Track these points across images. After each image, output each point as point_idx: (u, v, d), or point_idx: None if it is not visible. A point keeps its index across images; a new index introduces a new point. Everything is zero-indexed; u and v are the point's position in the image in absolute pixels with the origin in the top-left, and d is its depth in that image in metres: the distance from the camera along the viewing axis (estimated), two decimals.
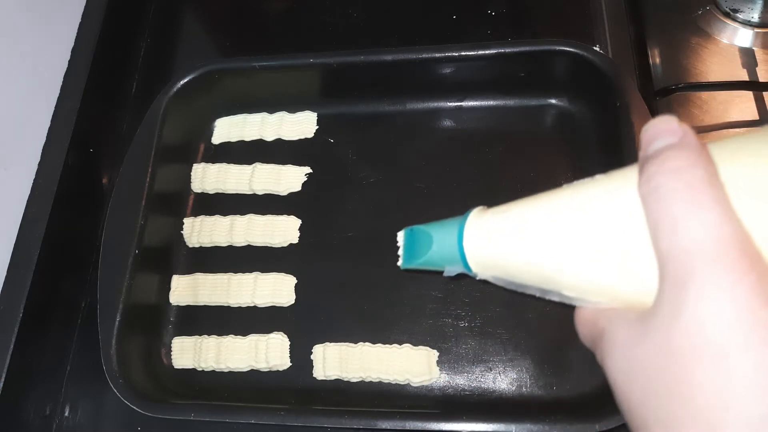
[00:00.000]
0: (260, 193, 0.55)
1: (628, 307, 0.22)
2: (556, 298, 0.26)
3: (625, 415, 0.20)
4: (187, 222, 0.55)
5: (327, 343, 0.48)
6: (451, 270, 0.31)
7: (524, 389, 0.45)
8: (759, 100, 0.50)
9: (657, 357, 0.18)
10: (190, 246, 0.54)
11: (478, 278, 0.29)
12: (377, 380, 0.47)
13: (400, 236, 0.34)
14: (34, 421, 0.48)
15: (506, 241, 0.27)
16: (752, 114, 0.50)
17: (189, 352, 0.50)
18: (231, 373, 0.49)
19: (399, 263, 0.34)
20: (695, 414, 0.17)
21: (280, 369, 0.49)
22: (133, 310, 0.47)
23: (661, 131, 0.20)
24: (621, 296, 0.22)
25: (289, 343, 0.49)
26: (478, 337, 0.48)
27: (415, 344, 0.47)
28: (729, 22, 0.54)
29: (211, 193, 0.56)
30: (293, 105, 0.58)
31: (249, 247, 0.53)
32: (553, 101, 0.54)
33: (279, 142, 0.57)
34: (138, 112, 0.56)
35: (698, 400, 0.17)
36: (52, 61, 0.57)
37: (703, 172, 0.19)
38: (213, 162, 0.57)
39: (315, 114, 0.57)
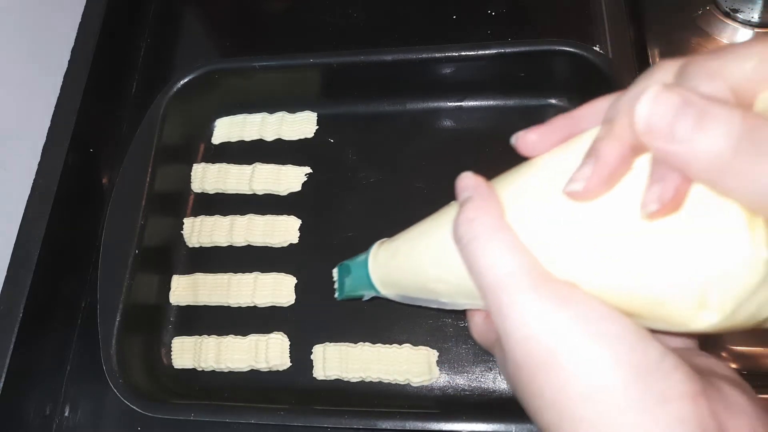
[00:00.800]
0: (260, 193, 0.55)
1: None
2: (435, 305, 0.31)
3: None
4: (187, 222, 0.55)
5: (327, 343, 0.48)
6: (368, 294, 0.38)
7: None
8: None
9: (516, 371, 0.23)
10: (190, 246, 0.54)
11: (384, 297, 0.36)
12: (377, 380, 0.47)
13: (335, 272, 0.42)
14: (34, 421, 0.48)
15: (391, 266, 0.34)
16: None
17: (189, 352, 0.50)
18: (231, 373, 0.49)
19: (336, 296, 0.41)
20: (549, 403, 0.21)
21: (280, 369, 0.49)
22: (133, 310, 0.47)
23: (462, 187, 0.26)
24: (477, 303, 0.26)
25: (289, 343, 0.49)
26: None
27: (415, 344, 0.47)
28: (729, 22, 0.54)
29: (211, 193, 0.56)
30: (293, 105, 0.58)
31: (249, 247, 0.53)
32: (553, 101, 0.54)
33: (279, 142, 0.57)
34: (138, 112, 0.56)
35: (546, 391, 0.21)
36: (52, 61, 0.57)
37: (490, 219, 0.23)
38: (213, 162, 0.57)
39: (315, 114, 0.57)
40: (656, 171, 0.20)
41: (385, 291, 0.36)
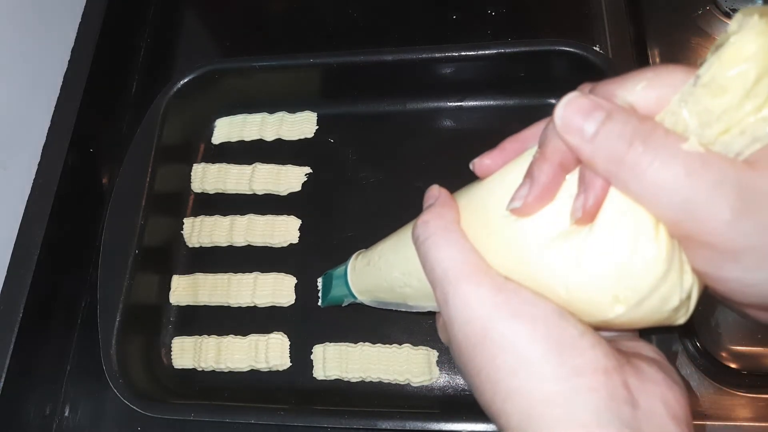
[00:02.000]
0: (260, 193, 0.55)
1: None
2: (404, 309, 0.35)
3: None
4: (187, 222, 0.55)
5: (327, 343, 0.48)
6: (347, 300, 0.42)
7: None
8: None
9: (459, 354, 0.25)
10: (190, 246, 0.54)
11: (361, 302, 0.40)
12: (377, 380, 0.47)
13: (319, 281, 0.46)
14: (34, 421, 0.48)
15: (366, 273, 0.38)
16: None
17: (189, 352, 0.50)
18: (231, 373, 0.49)
19: (319, 303, 0.45)
20: (485, 379, 0.24)
21: (280, 369, 0.49)
22: (133, 310, 0.47)
23: (428, 197, 0.30)
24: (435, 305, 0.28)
25: (289, 343, 0.49)
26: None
27: (415, 344, 0.47)
28: (729, 22, 0.54)
29: (211, 193, 0.56)
30: (293, 105, 0.58)
31: (249, 247, 0.53)
32: (553, 101, 0.54)
33: (279, 142, 0.57)
34: (138, 112, 0.56)
35: (482, 368, 0.24)
36: (52, 61, 0.57)
37: (443, 222, 0.27)
38: (213, 162, 0.57)
39: (315, 114, 0.57)
40: (582, 182, 0.23)
41: (362, 297, 0.40)
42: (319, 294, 0.45)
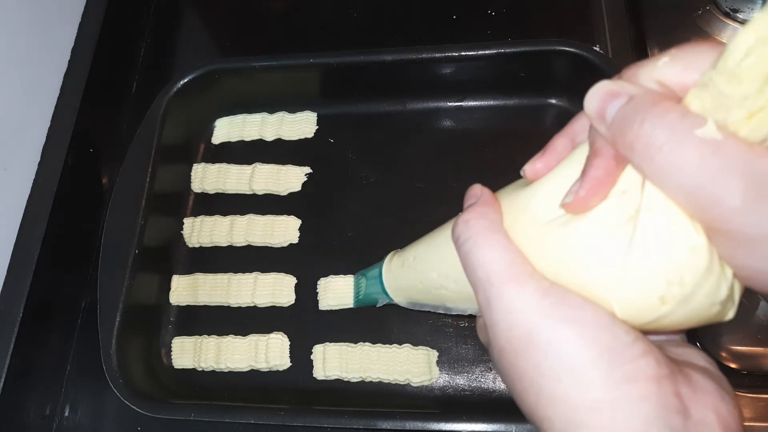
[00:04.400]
0: (260, 193, 0.55)
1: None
2: (442, 311, 0.34)
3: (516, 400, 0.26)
4: (187, 222, 0.55)
5: (327, 343, 0.48)
6: (382, 301, 0.42)
7: None
8: None
9: (500, 358, 0.24)
10: (190, 246, 0.54)
11: (396, 303, 0.40)
12: (377, 380, 0.47)
13: (352, 281, 0.47)
14: (34, 421, 0.48)
15: (401, 274, 0.37)
16: None
17: (189, 352, 0.50)
18: (231, 373, 0.49)
19: (351, 304, 0.46)
20: (528, 384, 0.23)
21: (280, 369, 0.49)
22: (133, 310, 0.47)
23: (469, 196, 0.28)
24: (476, 306, 0.27)
25: (289, 343, 0.49)
26: (478, 337, 0.47)
27: (415, 344, 0.47)
28: (729, 22, 0.54)
29: (211, 193, 0.56)
30: (293, 105, 0.58)
31: (249, 247, 0.53)
32: (553, 101, 0.54)
33: (279, 142, 0.57)
34: (138, 112, 0.56)
35: (525, 373, 0.23)
36: (52, 61, 0.57)
37: (486, 222, 0.26)
38: (213, 162, 0.57)
39: (315, 114, 0.57)
40: (583, 170, 0.23)
41: (397, 298, 0.39)
42: (351, 294, 0.46)
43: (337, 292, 0.49)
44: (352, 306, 0.47)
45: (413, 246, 0.36)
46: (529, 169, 0.28)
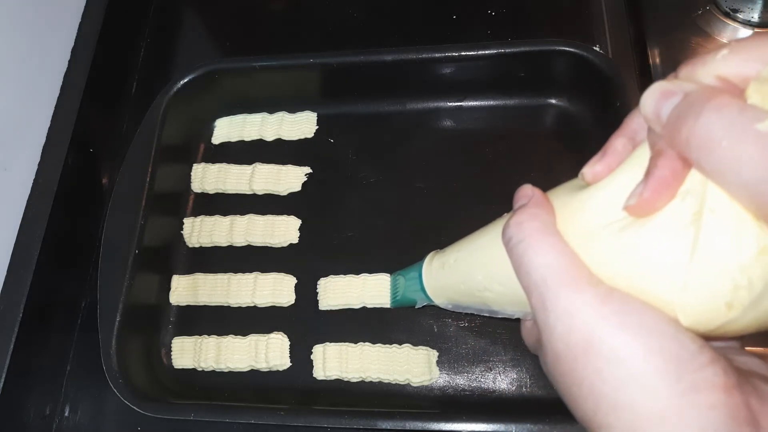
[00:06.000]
0: (260, 193, 0.55)
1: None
2: (486, 313, 0.33)
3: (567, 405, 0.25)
4: (187, 222, 0.55)
5: (327, 343, 0.48)
6: (421, 302, 0.41)
7: (524, 389, 0.45)
8: None
9: (556, 363, 0.24)
10: (190, 246, 0.54)
11: (436, 305, 0.39)
12: (377, 380, 0.47)
13: (389, 281, 0.46)
14: (34, 421, 0.48)
15: (443, 274, 0.36)
16: None
17: (189, 352, 0.50)
18: (231, 373, 0.49)
19: (388, 305, 0.47)
20: (587, 392, 0.23)
21: (280, 369, 0.49)
22: (133, 310, 0.47)
23: (519, 196, 0.28)
24: (526, 310, 0.27)
25: (289, 343, 0.49)
26: (478, 337, 0.48)
27: (415, 344, 0.47)
28: (729, 22, 0.54)
29: (211, 193, 0.56)
30: (293, 105, 0.58)
31: (249, 247, 0.53)
32: (553, 101, 0.54)
33: (279, 142, 0.57)
34: (138, 112, 0.56)
35: (584, 380, 0.23)
36: (52, 61, 0.57)
37: (539, 224, 0.25)
38: (213, 162, 0.57)
39: (315, 114, 0.57)
40: (647, 171, 0.22)
41: (438, 299, 0.39)
42: (388, 294, 0.46)
43: (337, 292, 0.49)
44: (389, 306, 0.47)
45: (454, 247, 0.36)
46: (588, 172, 0.26)
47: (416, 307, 0.43)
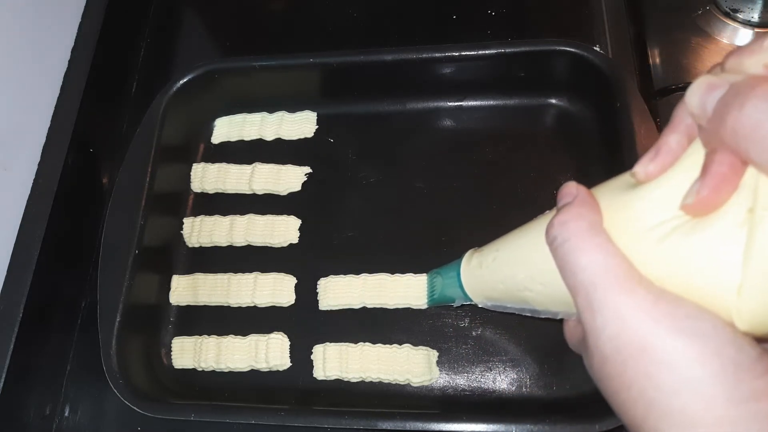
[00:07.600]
0: (260, 193, 0.55)
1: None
2: (527, 313, 0.33)
3: (613, 408, 0.24)
4: (187, 222, 0.55)
5: (327, 343, 0.48)
6: (459, 301, 0.41)
7: (524, 389, 0.45)
8: None
9: (603, 366, 0.23)
10: (190, 246, 0.54)
11: (475, 304, 0.39)
12: (377, 380, 0.47)
13: (426, 280, 0.46)
14: (34, 421, 0.48)
15: (482, 273, 0.36)
16: None
17: (189, 352, 0.50)
18: (231, 373, 0.49)
19: (425, 303, 0.46)
20: (636, 396, 0.22)
21: (280, 369, 0.49)
22: (133, 310, 0.47)
23: (563, 194, 0.27)
24: (570, 311, 0.27)
25: (289, 343, 0.49)
26: (478, 337, 0.48)
27: (415, 344, 0.47)
28: (729, 22, 0.54)
29: (211, 193, 0.56)
30: (293, 105, 0.58)
31: (249, 247, 0.53)
32: (553, 101, 0.54)
33: (279, 142, 0.57)
34: (138, 112, 0.56)
35: (634, 384, 0.22)
36: (52, 61, 0.57)
37: (585, 223, 0.24)
38: (213, 162, 0.57)
39: (315, 114, 0.57)
40: (703, 169, 0.21)
41: (476, 298, 0.38)
42: (425, 293, 0.46)
43: (337, 292, 0.49)
44: (425, 306, 0.47)
45: (492, 246, 0.35)
46: (641, 171, 0.25)
47: (454, 305, 0.43)
